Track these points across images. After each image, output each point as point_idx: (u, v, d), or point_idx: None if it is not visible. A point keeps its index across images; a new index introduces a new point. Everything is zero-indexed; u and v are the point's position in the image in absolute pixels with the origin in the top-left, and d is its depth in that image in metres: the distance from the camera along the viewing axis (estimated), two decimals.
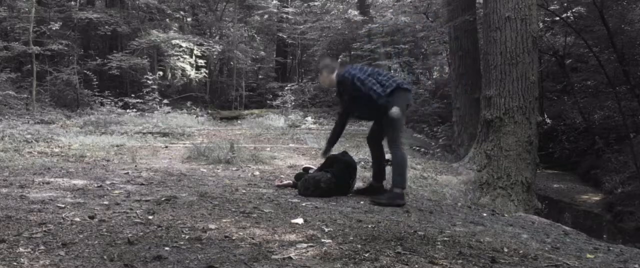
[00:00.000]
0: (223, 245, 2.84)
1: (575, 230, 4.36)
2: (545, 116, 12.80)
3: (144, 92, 12.68)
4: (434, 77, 17.94)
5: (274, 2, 19.19)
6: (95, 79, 13.16)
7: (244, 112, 15.53)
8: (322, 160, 5.00)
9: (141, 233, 3.00)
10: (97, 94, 13.04)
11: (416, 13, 14.28)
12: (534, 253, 3.03)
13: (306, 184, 4.53)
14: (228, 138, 8.95)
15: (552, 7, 11.47)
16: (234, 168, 6.09)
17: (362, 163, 7.19)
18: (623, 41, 10.70)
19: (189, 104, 14.33)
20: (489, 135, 6.47)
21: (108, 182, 4.75)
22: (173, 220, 3.37)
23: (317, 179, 4.52)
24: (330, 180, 4.50)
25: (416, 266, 2.60)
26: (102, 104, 12.27)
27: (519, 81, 6.38)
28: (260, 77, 20.65)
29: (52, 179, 4.80)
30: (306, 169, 5.31)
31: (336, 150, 5.05)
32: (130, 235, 2.95)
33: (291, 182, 4.96)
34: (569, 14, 11.38)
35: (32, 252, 2.59)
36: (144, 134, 9.42)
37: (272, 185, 5.00)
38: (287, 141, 9.60)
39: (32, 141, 7.63)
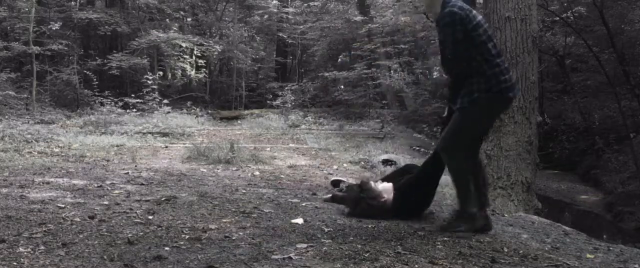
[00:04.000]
0: (223, 245, 2.84)
1: (575, 230, 4.35)
2: (545, 116, 12.80)
3: (144, 92, 12.66)
4: (434, 77, 17.93)
5: (274, 2, 19.18)
6: (95, 79, 13.14)
7: (244, 112, 15.52)
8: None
9: (141, 233, 3.00)
10: (97, 94, 13.02)
11: (416, 13, 14.26)
12: (534, 253, 3.03)
13: (360, 204, 3.68)
14: (228, 138, 8.95)
15: (552, 7, 11.47)
16: (234, 168, 6.09)
17: (362, 163, 7.20)
18: (623, 41, 10.70)
19: (189, 104, 14.31)
20: (489, 135, 6.47)
21: (108, 182, 4.75)
22: (173, 220, 3.37)
23: (375, 206, 3.64)
24: (384, 206, 3.65)
25: (416, 266, 2.60)
26: (102, 104, 12.25)
27: (519, 81, 6.37)
28: (260, 77, 20.63)
29: (52, 179, 4.80)
30: (336, 182, 4.74)
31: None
32: (130, 235, 2.95)
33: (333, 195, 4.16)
34: (569, 14, 11.38)
35: (32, 252, 2.59)
36: (144, 133, 9.43)
37: (272, 185, 5.00)
38: (287, 141, 9.60)
39: (32, 141, 7.63)
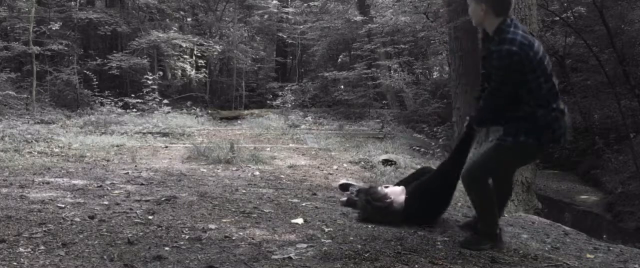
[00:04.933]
0: (223, 245, 2.84)
1: (575, 230, 4.36)
2: None
3: (144, 92, 12.65)
4: (434, 77, 17.94)
5: (274, 2, 19.17)
6: (95, 79, 13.13)
7: (244, 112, 15.52)
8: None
9: (141, 233, 3.01)
10: (97, 94, 13.01)
11: (416, 13, 14.27)
12: (534, 253, 3.04)
13: (366, 208, 3.57)
14: (228, 138, 8.94)
15: (552, 7, 11.46)
16: (234, 168, 6.09)
17: (362, 163, 7.19)
18: (623, 41, 10.70)
19: (189, 104, 14.30)
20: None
21: (108, 182, 4.75)
22: (173, 220, 3.37)
23: (381, 208, 3.50)
24: (390, 208, 3.51)
25: (416, 266, 2.60)
26: (102, 104, 12.24)
27: None
28: (260, 77, 20.63)
29: (52, 179, 4.80)
30: (345, 186, 4.62)
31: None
32: (130, 235, 2.95)
33: (348, 198, 4.14)
34: (568, 14, 11.38)
35: (32, 252, 2.59)
36: (144, 133, 9.42)
37: (272, 185, 5.00)
38: (287, 141, 9.60)
39: (32, 141, 7.62)
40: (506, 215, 4.71)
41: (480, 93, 3.15)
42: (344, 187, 4.57)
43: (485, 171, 3.00)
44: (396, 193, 3.58)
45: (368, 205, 3.53)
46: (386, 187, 3.82)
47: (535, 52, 2.80)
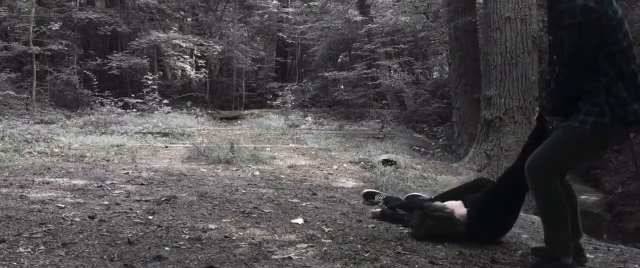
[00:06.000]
0: (223, 245, 2.84)
1: None
2: None
3: (144, 92, 12.66)
4: (434, 77, 17.95)
5: (274, 2, 19.18)
6: (95, 79, 13.14)
7: (244, 112, 15.53)
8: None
9: (141, 233, 3.01)
10: (97, 94, 13.02)
11: (416, 13, 14.28)
12: None
13: (425, 223, 3.17)
14: (228, 138, 8.95)
15: None
16: (234, 168, 6.09)
17: (362, 163, 7.19)
18: None
19: (189, 104, 14.31)
20: (489, 135, 6.49)
21: (108, 182, 4.75)
22: (173, 220, 3.37)
23: (442, 218, 3.15)
24: (452, 219, 3.15)
25: (416, 266, 2.60)
26: (102, 104, 12.25)
27: (519, 81, 6.41)
28: (260, 77, 20.63)
29: (52, 179, 4.80)
30: (369, 194, 4.33)
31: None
32: (130, 235, 2.95)
33: (382, 210, 3.77)
34: None
35: (32, 252, 2.60)
36: (144, 134, 9.42)
37: (272, 185, 5.00)
38: (287, 141, 9.60)
39: (32, 141, 7.63)
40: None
41: (548, 75, 2.64)
42: (369, 196, 4.29)
43: (551, 165, 2.49)
44: (455, 205, 3.29)
45: (426, 218, 3.16)
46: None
47: (614, 11, 2.36)
